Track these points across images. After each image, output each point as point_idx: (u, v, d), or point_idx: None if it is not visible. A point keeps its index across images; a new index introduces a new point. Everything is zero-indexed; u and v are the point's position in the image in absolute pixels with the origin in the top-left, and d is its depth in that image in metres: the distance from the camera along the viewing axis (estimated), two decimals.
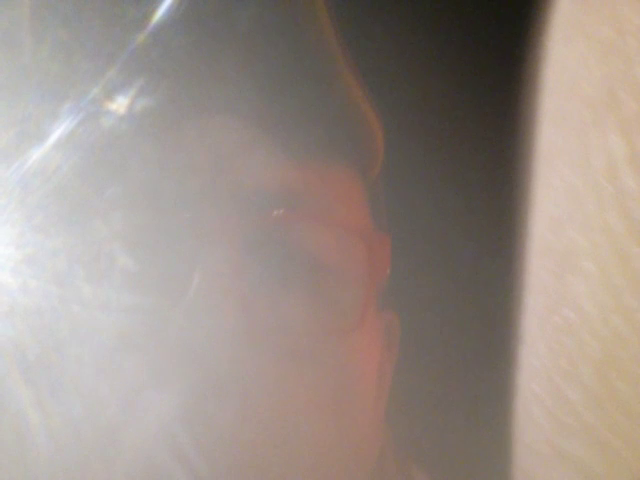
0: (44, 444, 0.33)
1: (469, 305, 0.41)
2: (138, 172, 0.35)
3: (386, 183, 0.40)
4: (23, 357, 0.34)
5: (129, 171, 0.35)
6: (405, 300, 0.41)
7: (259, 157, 0.36)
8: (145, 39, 0.34)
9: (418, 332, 0.41)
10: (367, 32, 0.40)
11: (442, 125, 0.41)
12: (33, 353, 0.34)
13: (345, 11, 0.38)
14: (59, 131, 0.35)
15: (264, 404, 0.34)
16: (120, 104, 0.35)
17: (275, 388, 0.35)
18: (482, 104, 0.39)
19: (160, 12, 0.34)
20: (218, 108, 0.36)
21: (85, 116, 0.35)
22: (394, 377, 0.40)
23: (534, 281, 0.20)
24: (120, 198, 0.35)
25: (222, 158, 0.36)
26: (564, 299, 0.19)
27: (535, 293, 0.20)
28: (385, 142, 0.39)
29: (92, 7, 0.34)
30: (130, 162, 0.35)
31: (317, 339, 0.36)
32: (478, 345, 0.40)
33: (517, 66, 0.24)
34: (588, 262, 0.18)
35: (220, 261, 0.35)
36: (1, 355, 0.34)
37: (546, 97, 0.19)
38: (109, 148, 0.35)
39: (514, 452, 0.20)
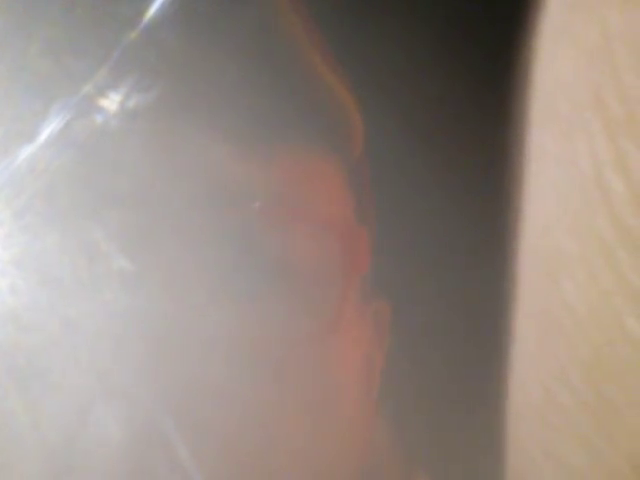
0: (34, 448, 0.34)
1: (461, 307, 0.42)
2: (130, 170, 0.36)
3: (377, 182, 0.41)
4: (12, 360, 0.35)
5: (121, 169, 0.36)
6: (394, 301, 0.41)
7: (232, 150, 0.37)
8: (137, 37, 0.35)
9: (407, 335, 0.41)
10: (356, 28, 0.41)
11: (432, 126, 0.42)
12: (22, 355, 0.35)
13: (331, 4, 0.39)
14: (49, 129, 0.36)
15: (245, 393, 0.35)
16: (112, 102, 0.36)
17: (253, 373, 0.36)
18: (472, 106, 0.40)
19: (153, 9, 0.35)
20: (201, 105, 0.37)
21: (76, 114, 0.35)
22: (384, 380, 0.41)
23: (525, 282, 0.21)
24: (112, 197, 0.36)
25: (200, 155, 0.37)
26: (555, 302, 0.20)
27: (527, 296, 0.21)
28: (374, 143, 0.39)
29: (83, 4, 0.35)
30: (122, 160, 0.36)
31: (292, 343, 0.37)
32: (471, 347, 0.41)
33: (507, 68, 0.25)
34: (577, 264, 0.19)
35: (190, 240, 0.36)
36: None
37: (535, 100, 0.20)
38: (100, 146, 0.36)
39: (506, 452, 0.21)
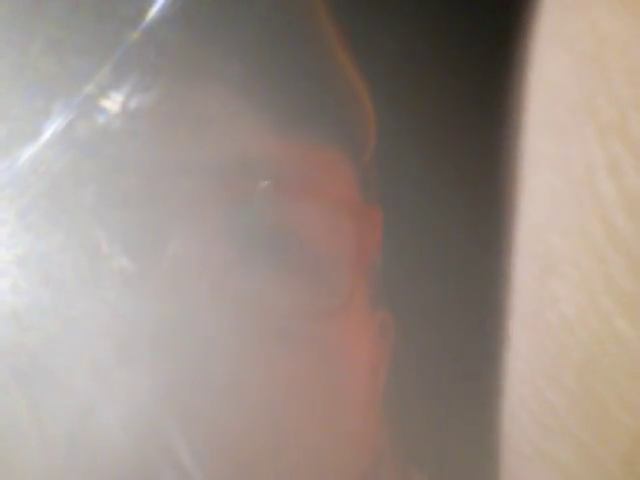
0: (37, 448, 0.35)
1: (457, 309, 0.42)
2: (132, 170, 0.37)
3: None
4: (14, 360, 0.35)
5: (123, 169, 0.37)
6: (393, 304, 0.42)
7: (243, 125, 0.37)
8: (139, 36, 0.35)
9: (405, 336, 0.42)
10: (362, 22, 0.41)
11: (429, 129, 0.42)
12: (25, 355, 0.35)
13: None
14: (52, 129, 0.36)
15: (249, 392, 0.36)
16: (114, 102, 0.36)
17: (258, 373, 0.36)
18: (469, 108, 0.41)
19: (154, 9, 0.35)
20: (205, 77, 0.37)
21: (78, 114, 0.36)
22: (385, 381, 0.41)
23: (519, 284, 0.22)
24: (114, 197, 0.37)
25: (204, 125, 0.37)
26: (546, 303, 0.20)
27: (520, 296, 0.22)
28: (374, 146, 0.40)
29: (85, 4, 0.36)
30: (124, 160, 0.37)
31: (302, 320, 0.37)
32: (466, 348, 0.41)
33: (502, 71, 0.26)
34: (568, 266, 0.19)
35: (193, 238, 0.36)
36: None
37: (531, 103, 0.21)
38: (102, 146, 0.36)
39: (500, 452, 0.22)
